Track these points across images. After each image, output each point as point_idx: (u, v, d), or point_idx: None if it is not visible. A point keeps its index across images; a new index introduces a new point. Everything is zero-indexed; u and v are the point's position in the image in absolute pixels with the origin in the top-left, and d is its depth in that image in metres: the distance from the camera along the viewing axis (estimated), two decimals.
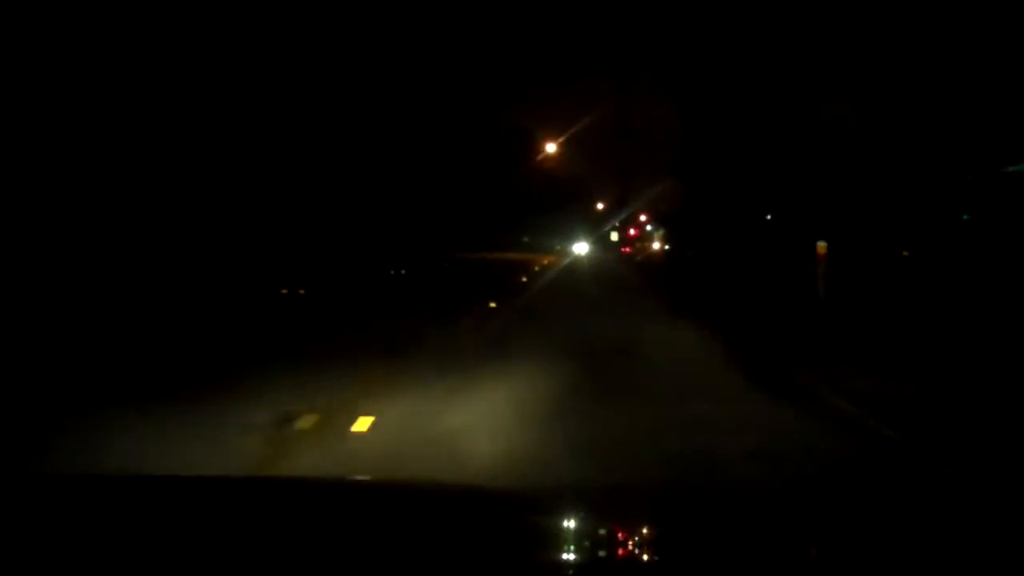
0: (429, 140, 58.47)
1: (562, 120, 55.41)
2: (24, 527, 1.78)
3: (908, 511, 2.24)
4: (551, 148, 55.40)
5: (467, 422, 6.64)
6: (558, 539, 1.96)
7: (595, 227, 72.54)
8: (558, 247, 66.33)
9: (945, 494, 4.79)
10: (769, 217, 35.14)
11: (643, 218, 77.55)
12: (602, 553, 1.88)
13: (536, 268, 38.97)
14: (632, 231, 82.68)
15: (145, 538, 1.74)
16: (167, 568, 1.57)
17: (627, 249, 73.13)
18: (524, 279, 28.37)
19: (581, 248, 64.73)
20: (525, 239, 75.66)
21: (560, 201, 76.81)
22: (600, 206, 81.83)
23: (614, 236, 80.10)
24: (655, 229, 72.96)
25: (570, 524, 2.08)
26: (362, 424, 6.56)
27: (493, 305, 18.25)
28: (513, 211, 72.35)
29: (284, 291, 20.26)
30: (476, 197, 66.91)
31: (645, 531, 2.02)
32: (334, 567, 1.60)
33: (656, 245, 69.43)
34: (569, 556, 1.80)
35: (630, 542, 1.94)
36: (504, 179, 67.49)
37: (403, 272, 30.21)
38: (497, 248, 63.11)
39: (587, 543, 1.93)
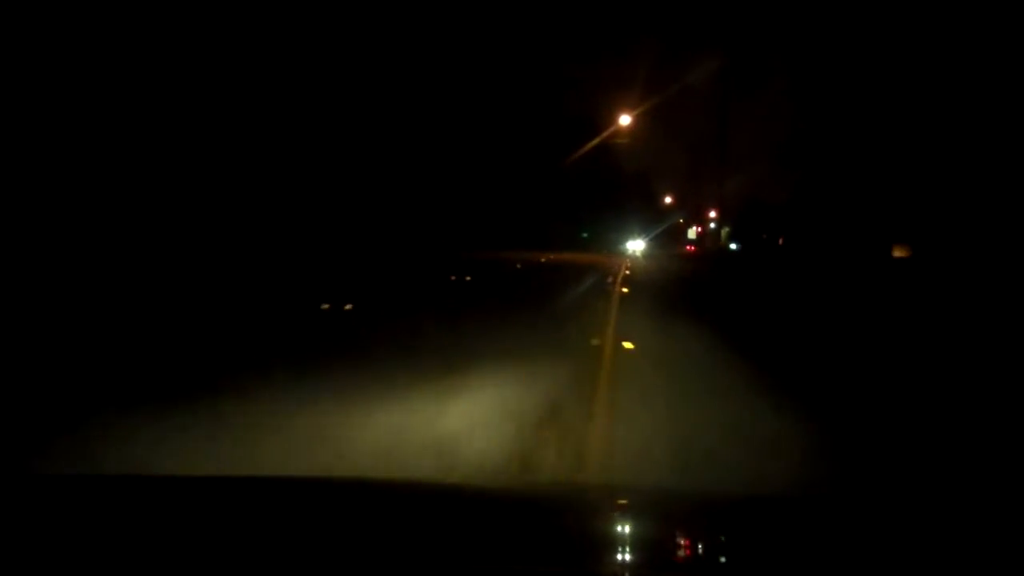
0: (476, 123, 51.72)
1: (638, 98, 41.98)
2: (24, 527, 1.70)
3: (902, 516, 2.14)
4: (625, 120, 41.52)
5: None
6: (558, 539, 1.82)
7: (658, 223, 62.45)
8: (619, 245, 56.49)
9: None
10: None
11: (712, 214, 63.39)
12: (603, 553, 1.78)
13: (623, 287, 21.61)
14: (698, 228, 71.48)
15: (145, 538, 1.67)
16: (167, 568, 1.51)
17: (691, 248, 62.18)
18: (630, 345, 9.54)
19: (636, 246, 56.41)
20: (584, 234, 61.12)
21: (624, 193, 66.10)
22: (668, 200, 69.15)
23: (692, 233, 65.01)
24: (719, 225, 61.18)
25: (570, 524, 1.97)
26: None
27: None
28: (570, 204, 61.80)
29: None
30: (525, 188, 58.04)
31: (645, 531, 1.95)
32: (334, 567, 1.53)
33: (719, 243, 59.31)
34: (569, 556, 1.69)
35: (630, 542, 1.86)
36: (561, 168, 57.63)
37: (347, 309, 13.07)
38: (550, 246, 50.56)
39: (587, 543, 1.81)
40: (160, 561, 1.50)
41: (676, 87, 40.77)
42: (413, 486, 2.56)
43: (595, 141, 46.53)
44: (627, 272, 30.00)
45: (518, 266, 32.55)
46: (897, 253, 30.39)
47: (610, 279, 24.66)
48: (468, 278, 23.22)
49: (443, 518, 1.90)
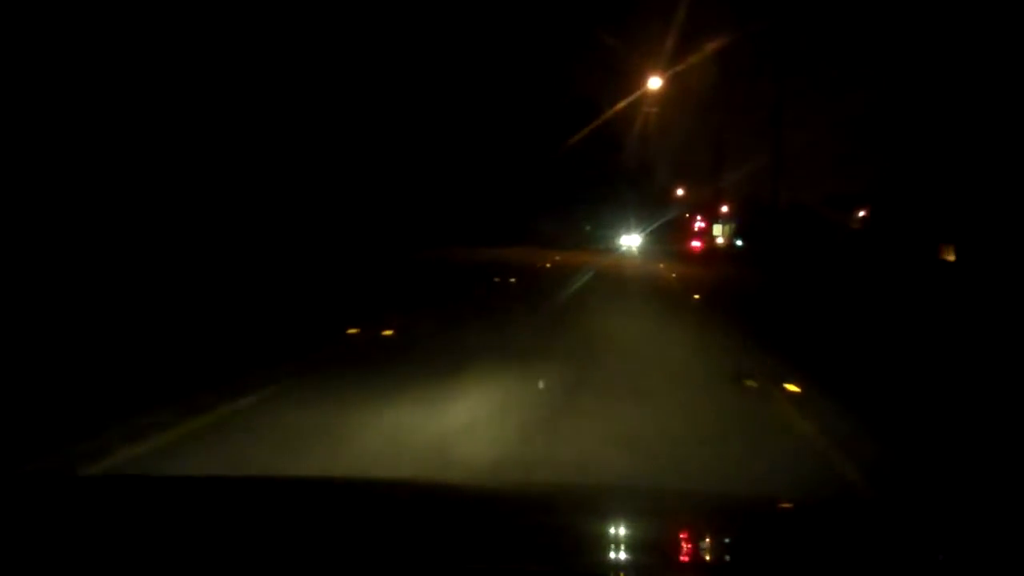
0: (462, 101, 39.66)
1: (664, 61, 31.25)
2: (25, 527, 1.66)
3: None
4: (655, 83, 31.94)
5: None
6: (557, 539, 1.73)
7: (654, 215, 53.73)
8: (610, 240, 47.93)
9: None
10: None
11: (725, 208, 58.30)
12: (601, 553, 1.72)
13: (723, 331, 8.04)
14: (700, 223, 66.64)
15: (146, 538, 1.63)
16: (168, 568, 1.47)
17: (698, 244, 55.14)
18: None
19: (632, 241, 49.54)
20: (588, 227, 50.40)
21: (622, 182, 57.12)
22: (680, 192, 62.38)
23: (717, 229, 57.13)
24: (724, 222, 58.62)
25: (570, 524, 1.89)
26: None
27: None
28: (567, 193, 50.66)
29: None
30: (517, 174, 46.73)
31: (644, 532, 1.89)
32: (334, 567, 1.49)
33: (720, 240, 57.14)
34: (568, 556, 1.62)
35: (629, 543, 1.79)
36: (559, 153, 48.16)
37: None
38: (545, 241, 39.64)
39: (586, 543, 1.77)
40: (161, 561, 1.47)
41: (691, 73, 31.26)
42: (413, 486, 2.50)
43: (621, 104, 34.40)
44: (696, 297, 16.72)
45: (512, 281, 18.37)
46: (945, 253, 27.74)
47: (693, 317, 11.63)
48: (388, 332, 9.18)
49: (443, 518, 1.85)
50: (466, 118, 41.08)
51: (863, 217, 39.31)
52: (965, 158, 24.67)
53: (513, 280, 18.34)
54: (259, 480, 2.55)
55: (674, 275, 24.67)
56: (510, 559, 1.53)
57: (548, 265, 25.75)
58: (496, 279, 18.30)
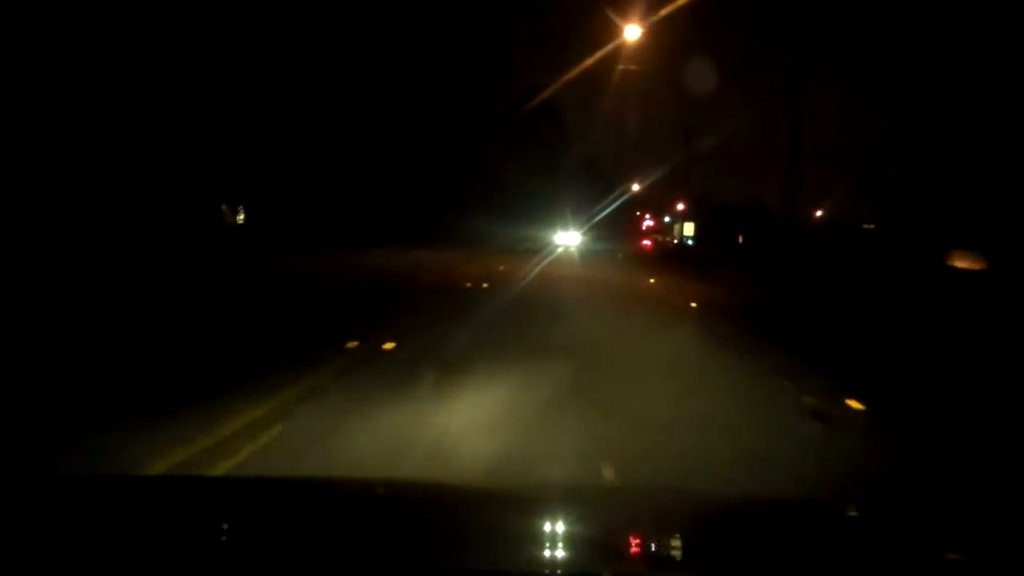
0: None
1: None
2: (24, 527, 1.58)
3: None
4: (633, 33, 20.35)
5: None
6: (556, 539, 1.71)
7: (594, 208, 47.31)
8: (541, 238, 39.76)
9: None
10: None
11: (681, 206, 52.54)
12: (600, 553, 1.65)
13: None
14: (650, 220, 64.41)
15: (145, 538, 1.55)
16: (167, 568, 1.39)
17: (648, 243, 52.21)
18: None
19: (570, 239, 43.07)
20: (531, 226, 40.95)
21: (573, 173, 51.90)
22: (636, 187, 55.03)
23: (689, 229, 48.45)
24: (678, 219, 54.52)
25: (569, 524, 1.82)
26: None
27: None
28: (507, 184, 43.04)
29: None
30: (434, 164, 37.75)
31: (644, 532, 1.82)
32: (333, 566, 1.41)
33: (671, 238, 54.26)
34: (566, 556, 1.59)
35: (629, 543, 1.75)
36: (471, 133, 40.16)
37: None
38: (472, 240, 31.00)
39: (585, 543, 1.70)
40: (160, 561, 1.39)
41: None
42: (412, 486, 2.39)
43: (596, 57, 24.32)
44: (856, 406, 6.20)
45: (388, 348, 6.96)
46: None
47: None
48: None
49: (442, 518, 1.77)
50: (385, 98, 31.80)
51: (820, 217, 36.75)
52: (976, 160, 23.39)
53: (391, 346, 7.22)
54: (258, 480, 2.49)
55: (694, 304, 14.07)
56: (508, 559, 1.47)
57: (485, 286, 14.85)
58: (353, 343, 7.17)
